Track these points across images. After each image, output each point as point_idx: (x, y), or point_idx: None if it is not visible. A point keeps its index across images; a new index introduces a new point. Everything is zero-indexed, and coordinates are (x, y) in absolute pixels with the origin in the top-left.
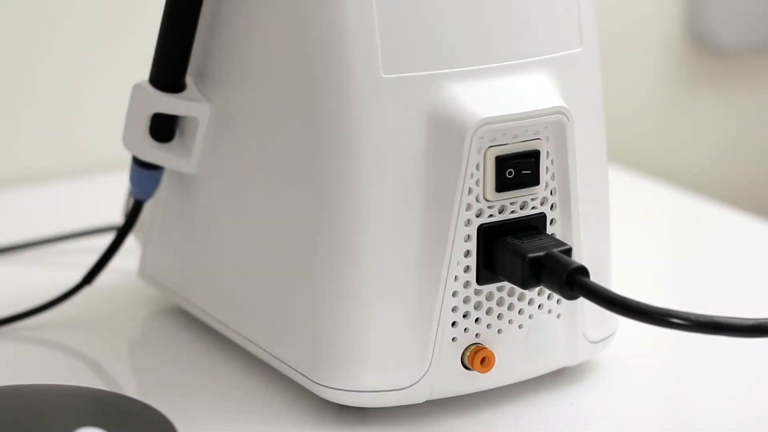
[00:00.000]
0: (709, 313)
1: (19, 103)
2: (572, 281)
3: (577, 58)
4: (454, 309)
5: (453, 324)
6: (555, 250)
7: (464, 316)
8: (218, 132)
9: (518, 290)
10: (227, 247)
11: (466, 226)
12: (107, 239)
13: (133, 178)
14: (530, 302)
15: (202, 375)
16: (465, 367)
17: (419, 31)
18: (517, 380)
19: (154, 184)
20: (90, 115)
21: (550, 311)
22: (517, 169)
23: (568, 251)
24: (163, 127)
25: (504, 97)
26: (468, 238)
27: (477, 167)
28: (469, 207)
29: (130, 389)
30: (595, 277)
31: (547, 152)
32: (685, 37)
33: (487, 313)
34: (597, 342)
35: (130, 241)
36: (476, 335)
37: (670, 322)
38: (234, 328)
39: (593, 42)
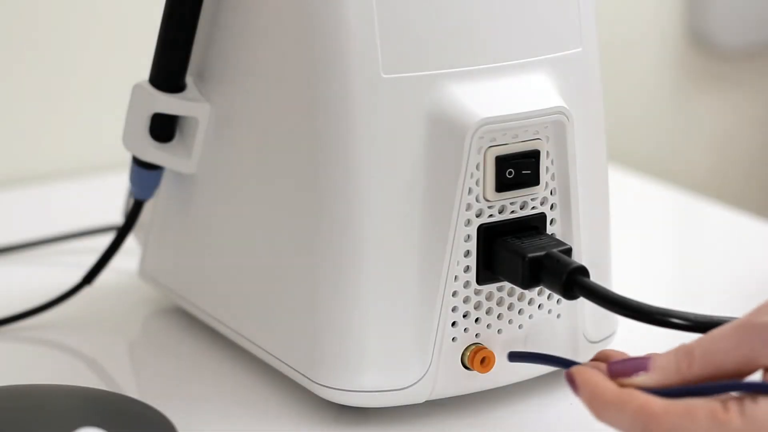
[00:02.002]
0: (708, 313)
1: (20, 104)
2: (572, 281)
3: (577, 58)
4: (454, 309)
5: (453, 324)
6: (555, 250)
7: (464, 316)
8: (218, 132)
9: (518, 290)
10: (227, 247)
11: (466, 226)
12: (107, 239)
13: (133, 178)
14: (530, 302)
15: (202, 375)
16: (465, 367)
17: (419, 31)
18: (517, 380)
19: (154, 184)
20: (89, 115)
21: (550, 311)
22: (517, 169)
23: (568, 251)
24: (163, 127)
25: (504, 97)
26: (468, 238)
27: (477, 167)
28: (469, 207)
29: (130, 389)
30: (595, 277)
31: (547, 152)
32: (685, 38)
33: (487, 313)
34: (597, 342)
35: (130, 241)
36: (476, 335)
37: (669, 322)
38: (234, 328)
39: (593, 42)
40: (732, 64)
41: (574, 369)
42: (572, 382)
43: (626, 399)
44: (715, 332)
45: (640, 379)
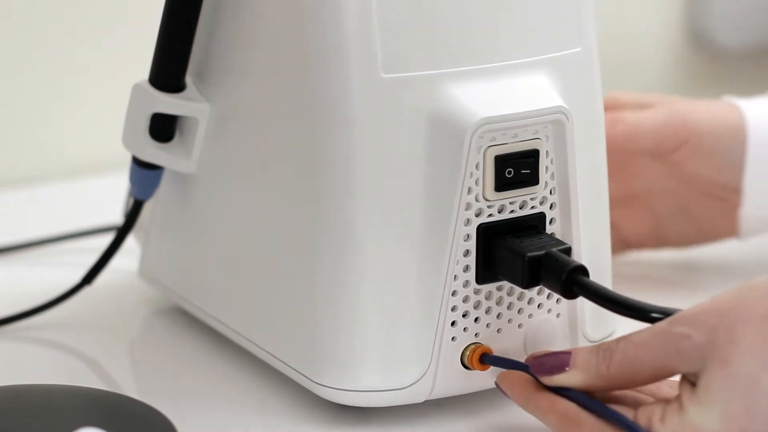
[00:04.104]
0: None
1: (20, 104)
2: (571, 280)
3: (576, 58)
4: (453, 308)
5: (453, 323)
6: (554, 250)
7: (464, 315)
8: (218, 132)
9: (518, 289)
10: (227, 247)
11: (465, 225)
12: (107, 239)
13: (133, 178)
14: (530, 302)
15: (202, 375)
16: (465, 366)
17: (419, 31)
18: None
19: (154, 184)
20: (90, 115)
21: (549, 311)
22: (517, 169)
23: (568, 250)
24: (163, 127)
25: (503, 96)
26: (467, 237)
27: (476, 167)
28: (468, 206)
29: (130, 389)
30: (595, 277)
31: (547, 152)
32: (685, 37)
33: (486, 312)
34: (597, 341)
35: (130, 241)
36: (476, 335)
37: None
38: (234, 328)
39: (592, 42)
40: (732, 64)
41: (498, 378)
42: (501, 390)
43: (547, 407)
44: (634, 336)
45: (562, 377)
